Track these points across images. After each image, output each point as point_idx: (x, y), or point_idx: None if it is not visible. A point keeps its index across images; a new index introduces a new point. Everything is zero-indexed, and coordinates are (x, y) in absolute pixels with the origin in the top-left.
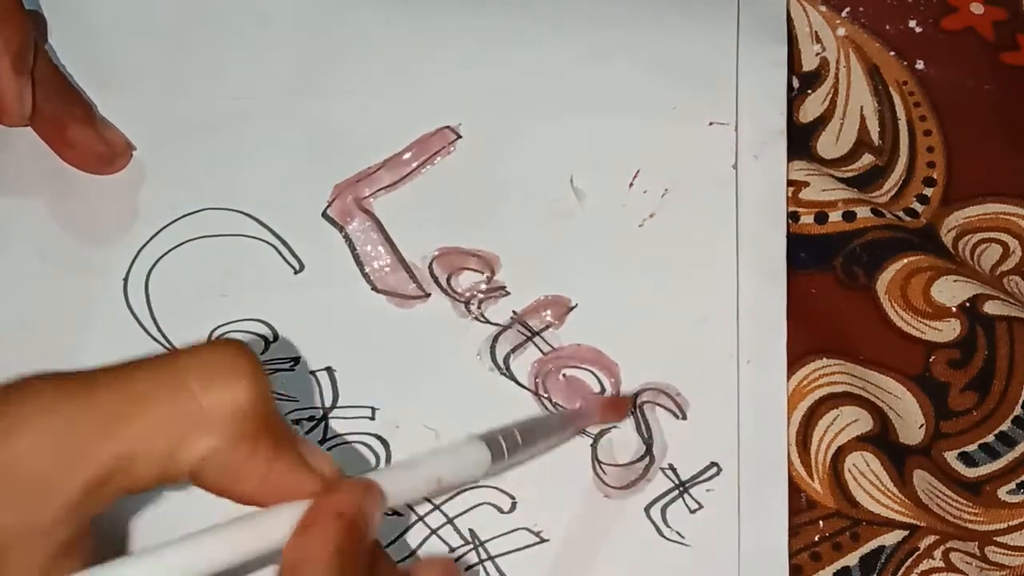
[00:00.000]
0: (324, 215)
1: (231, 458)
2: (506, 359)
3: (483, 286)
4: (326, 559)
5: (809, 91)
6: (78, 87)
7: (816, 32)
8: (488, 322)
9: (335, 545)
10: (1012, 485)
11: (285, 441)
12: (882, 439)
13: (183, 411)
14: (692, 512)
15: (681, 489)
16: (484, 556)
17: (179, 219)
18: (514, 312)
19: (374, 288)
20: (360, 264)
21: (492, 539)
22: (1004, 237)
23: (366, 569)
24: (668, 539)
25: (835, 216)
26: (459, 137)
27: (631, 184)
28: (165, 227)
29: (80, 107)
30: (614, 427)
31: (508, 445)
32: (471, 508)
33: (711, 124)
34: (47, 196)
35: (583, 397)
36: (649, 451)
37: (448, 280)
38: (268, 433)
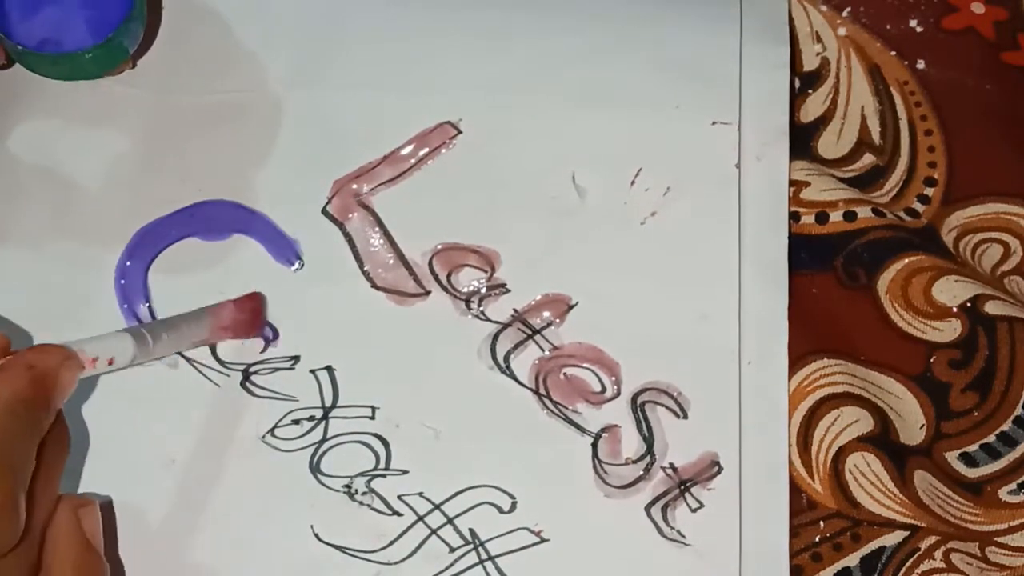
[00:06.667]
0: (324, 212)
1: None
2: (506, 357)
3: (483, 283)
4: (5, 400)
5: (810, 91)
6: None
7: (817, 32)
8: (488, 320)
9: (16, 391)
10: (1013, 485)
11: None
12: (883, 439)
13: None
14: (693, 511)
15: (682, 488)
16: (484, 556)
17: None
18: (514, 310)
19: (374, 286)
20: (360, 261)
21: (492, 539)
22: (1005, 237)
23: (38, 425)
24: (669, 539)
25: (836, 216)
26: (459, 133)
27: (633, 182)
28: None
29: None
30: (615, 426)
31: (151, 334)
32: (471, 508)
33: (714, 123)
34: (44, 191)
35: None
36: (650, 450)
37: (448, 277)
38: None
